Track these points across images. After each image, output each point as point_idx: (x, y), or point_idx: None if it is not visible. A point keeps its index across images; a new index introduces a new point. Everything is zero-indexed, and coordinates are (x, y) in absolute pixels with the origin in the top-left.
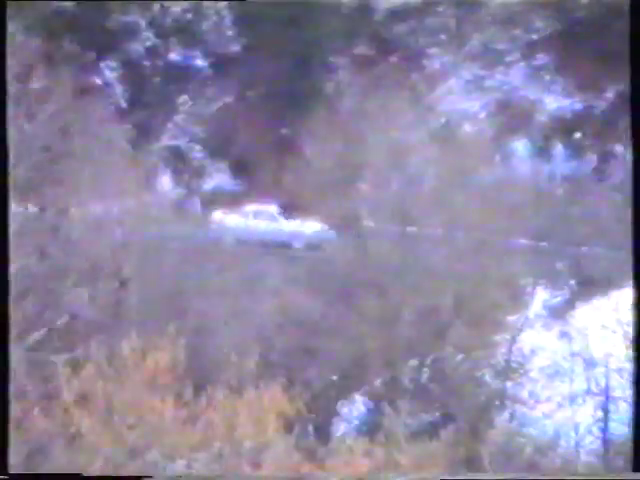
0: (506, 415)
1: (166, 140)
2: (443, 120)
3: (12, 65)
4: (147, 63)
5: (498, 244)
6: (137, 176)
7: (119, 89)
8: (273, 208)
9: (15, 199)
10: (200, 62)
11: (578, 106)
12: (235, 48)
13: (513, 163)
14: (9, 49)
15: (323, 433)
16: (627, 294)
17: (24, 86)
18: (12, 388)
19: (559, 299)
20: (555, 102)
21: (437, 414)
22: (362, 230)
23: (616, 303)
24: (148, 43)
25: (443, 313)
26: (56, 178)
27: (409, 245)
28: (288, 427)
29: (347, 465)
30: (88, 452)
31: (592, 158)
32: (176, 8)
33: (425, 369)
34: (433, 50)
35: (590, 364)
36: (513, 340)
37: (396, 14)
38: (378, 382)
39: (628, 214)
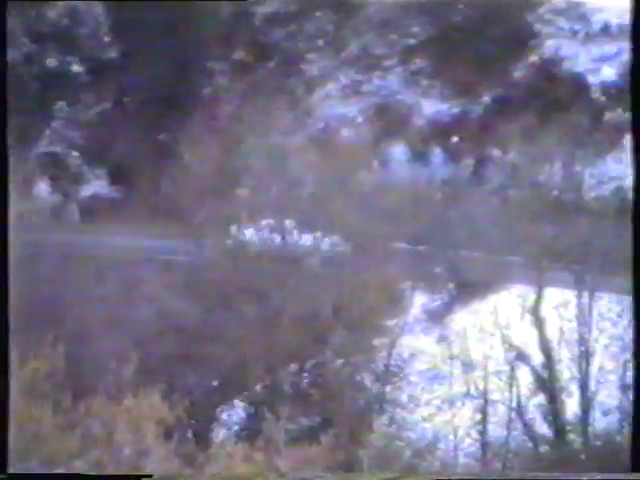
0: (385, 419)
1: (43, 146)
2: (321, 125)
3: None
4: (23, 69)
5: (377, 248)
6: (14, 183)
7: None
8: (289, 222)
9: None
10: (77, 68)
11: (455, 110)
12: (112, 54)
13: (391, 167)
14: None
15: (203, 439)
16: (504, 297)
17: None
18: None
19: (438, 303)
20: (432, 106)
21: (317, 419)
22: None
23: (494, 306)
24: (24, 49)
25: (323, 318)
26: None
27: (288, 249)
28: (167, 434)
29: (227, 471)
30: None
31: (469, 162)
32: (52, 13)
33: (305, 374)
34: (311, 55)
35: (469, 367)
36: (392, 344)
37: (274, 19)
38: (258, 387)
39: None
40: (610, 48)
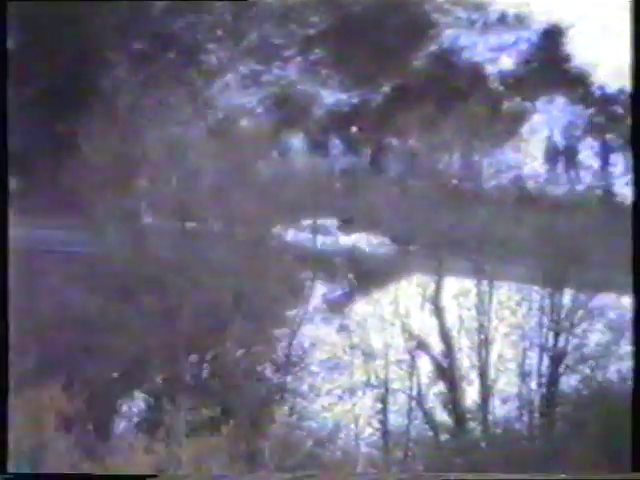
0: (286, 409)
1: None
2: (221, 115)
3: None
4: None
5: (277, 239)
6: None
7: None
8: (332, 222)
9: None
10: None
11: (354, 100)
12: (10, 45)
13: (291, 158)
14: None
15: (103, 431)
16: (404, 286)
17: None
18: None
19: (338, 293)
20: (332, 96)
21: (218, 409)
22: (141, 226)
23: (394, 296)
24: None
25: (223, 309)
26: None
27: (189, 241)
28: (67, 426)
29: (127, 462)
30: None
31: (368, 152)
32: None
33: (205, 365)
34: (210, 45)
35: (369, 356)
36: (293, 334)
37: (173, 10)
38: (158, 379)
39: (405, 207)
40: (508, 37)
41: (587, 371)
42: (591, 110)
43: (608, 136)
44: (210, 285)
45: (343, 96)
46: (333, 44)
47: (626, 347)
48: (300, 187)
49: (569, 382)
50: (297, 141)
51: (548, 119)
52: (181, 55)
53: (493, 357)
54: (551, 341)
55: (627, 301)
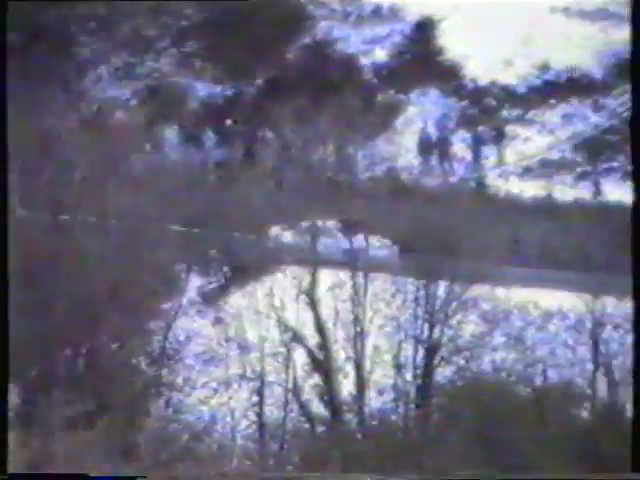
0: (162, 402)
1: None
2: (94, 107)
3: None
4: None
5: (151, 231)
6: None
7: None
8: (332, 224)
9: None
10: None
11: (228, 93)
12: None
13: (165, 150)
14: None
15: None
16: (280, 279)
17: None
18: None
19: (213, 285)
20: (206, 89)
21: (93, 403)
22: (13, 219)
23: (269, 288)
24: None
25: (98, 302)
26: None
27: (62, 233)
28: None
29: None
30: None
31: (242, 144)
32: None
33: (80, 358)
34: (83, 38)
35: (245, 349)
36: (168, 327)
37: (46, 1)
38: (33, 373)
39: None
40: (381, 30)
41: (462, 362)
42: (464, 102)
43: (480, 128)
44: (84, 278)
45: (217, 88)
46: (207, 36)
47: (500, 338)
48: (174, 180)
49: (444, 373)
50: (171, 134)
51: (421, 111)
52: (54, 47)
53: (368, 349)
54: (426, 332)
55: (501, 292)
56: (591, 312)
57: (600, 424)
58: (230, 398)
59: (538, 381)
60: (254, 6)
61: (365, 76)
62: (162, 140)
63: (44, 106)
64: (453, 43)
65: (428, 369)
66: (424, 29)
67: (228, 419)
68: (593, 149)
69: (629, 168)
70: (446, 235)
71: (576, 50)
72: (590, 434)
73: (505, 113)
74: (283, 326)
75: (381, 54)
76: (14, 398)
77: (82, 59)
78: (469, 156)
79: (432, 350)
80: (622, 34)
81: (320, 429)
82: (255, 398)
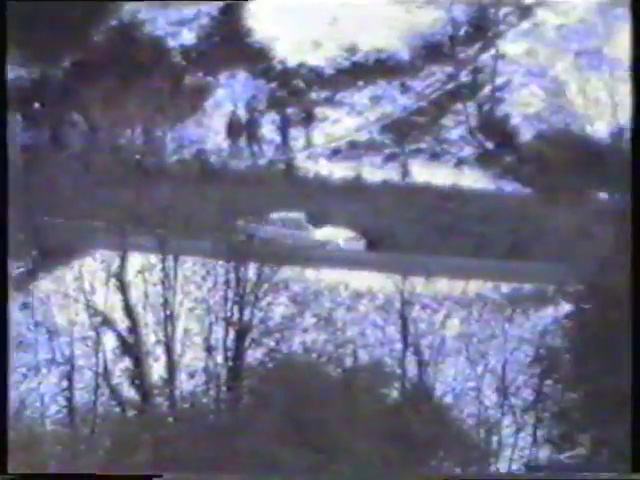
0: None
1: None
2: None
3: None
4: None
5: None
6: None
7: None
8: (300, 215)
9: None
10: None
11: (35, 75)
12: None
13: None
14: None
15: None
16: (88, 263)
17: None
18: None
19: (21, 270)
20: (12, 71)
21: None
22: None
23: (78, 272)
24: None
25: None
26: None
27: None
28: None
29: None
30: None
31: (49, 127)
32: None
33: None
34: None
35: (54, 334)
36: None
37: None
38: None
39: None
40: (188, 12)
41: (272, 344)
42: (272, 84)
43: (289, 110)
44: None
45: (23, 71)
46: (11, 19)
47: (310, 319)
48: None
49: (255, 355)
50: None
51: (231, 93)
52: None
53: (179, 332)
54: (236, 315)
55: (311, 273)
56: (400, 292)
57: (409, 403)
58: (40, 383)
59: (348, 362)
60: None
61: (173, 58)
62: None
63: None
64: (261, 25)
65: (239, 351)
66: (232, 10)
67: (38, 404)
68: (401, 131)
69: (437, 149)
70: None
71: (383, 32)
72: (400, 413)
73: (314, 95)
74: (92, 310)
75: (189, 36)
76: None
77: None
78: (278, 138)
79: (242, 332)
80: (428, 16)
81: (131, 413)
82: (65, 383)
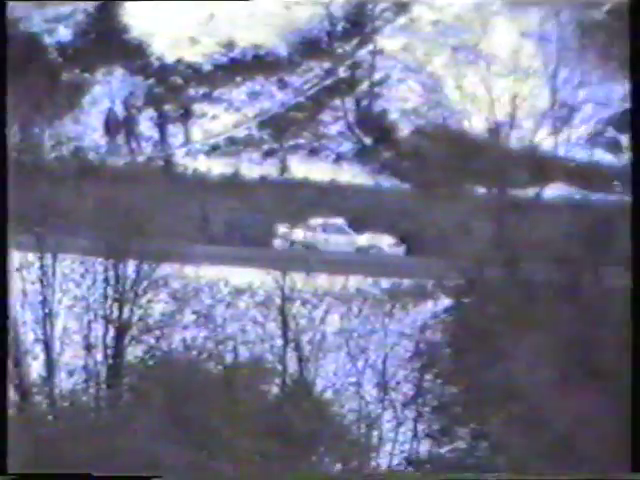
0: None
1: None
2: None
3: None
4: None
5: None
6: None
7: None
8: (340, 221)
9: None
10: None
11: None
12: None
13: None
14: None
15: None
16: None
17: None
18: None
19: None
20: None
21: None
22: None
23: None
24: None
25: None
26: None
27: None
28: None
29: None
30: None
31: None
32: None
33: None
34: None
35: None
36: None
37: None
38: None
39: None
40: (65, 8)
41: (152, 341)
42: (150, 81)
43: (167, 107)
44: None
45: None
46: None
47: (190, 316)
48: None
49: (135, 352)
50: None
51: (108, 90)
52: None
53: (58, 330)
54: (116, 312)
55: (190, 270)
56: (280, 288)
57: (290, 399)
58: None
59: (229, 358)
60: None
61: (50, 55)
62: None
63: None
64: (138, 21)
65: (118, 349)
66: (108, 7)
67: None
68: (279, 126)
69: (316, 145)
70: (134, 214)
71: (261, 28)
72: (280, 409)
73: (191, 91)
74: None
75: (65, 33)
76: None
77: None
78: (156, 135)
79: (122, 330)
80: (305, 12)
81: (11, 411)
82: None
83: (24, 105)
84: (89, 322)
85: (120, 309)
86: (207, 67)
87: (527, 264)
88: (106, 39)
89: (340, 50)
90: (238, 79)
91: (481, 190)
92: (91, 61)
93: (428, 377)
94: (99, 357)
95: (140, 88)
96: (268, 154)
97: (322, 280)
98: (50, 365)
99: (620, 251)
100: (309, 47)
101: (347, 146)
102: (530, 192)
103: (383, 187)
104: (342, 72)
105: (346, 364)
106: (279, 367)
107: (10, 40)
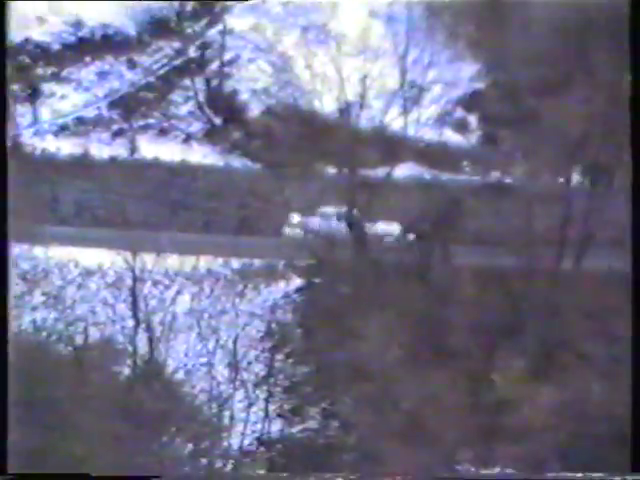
0: None
1: None
2: None
3: None
4: None
5: None
6: None
7: None
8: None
9: None
10: None
11: None
12: None
13: None
14: None
15: None
16: None
17: None
18: None
19: None
20: None
21: None
22: None
23: None
24: None
25: None
26: None
27: None
28: None
29: None
30: None
31: None
32: None
33: None
34: None
35: None
36: None
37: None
38: None
39: None
40: None
41: None
42: None
43: (15, 86)
44: None
45: None
46: None
47: (40, 297)
48: None
49: None
50: None
51: None
52: None
53: None
54: None
55: (40, 251)
56: (131, 269)
57: (141, 380)
58: None
59: (79, 340)
60: None
61: None
62: None
63: None
64: None
65: None
66: None
67: None
68: (129, 106)
69: (166, 125)
70: None
71: (109, 7)
72: (131, 390)
73: (40, 71)
74: None
75: None
76: None
77: None
78: None
79: None
80: None
81: None
82: None
83: None
84: None
85: None
86: (55, 46)
87: (376, 244)
88: None
89: (190, 30)
90: (87, 58)
91: (332, 170)
92: None
93: (279, 357)
94: None
95: None
96: (118, 134)
97: (173, 260)
98: None
99: (468, 230)
100: (158, 27)
101: (197, 126)
102: (380, 172)
103: (233, 167)
104: (192, 52)
105: (197, 344)
106: (130, 348)
107: None
